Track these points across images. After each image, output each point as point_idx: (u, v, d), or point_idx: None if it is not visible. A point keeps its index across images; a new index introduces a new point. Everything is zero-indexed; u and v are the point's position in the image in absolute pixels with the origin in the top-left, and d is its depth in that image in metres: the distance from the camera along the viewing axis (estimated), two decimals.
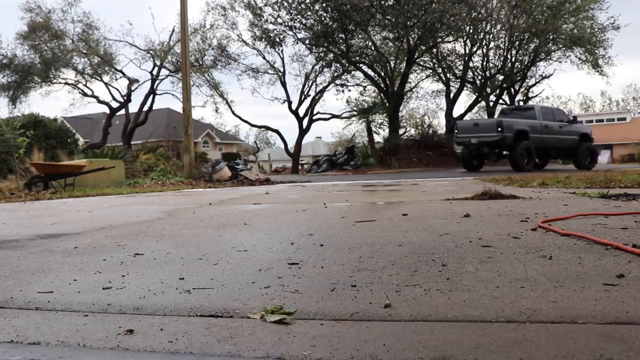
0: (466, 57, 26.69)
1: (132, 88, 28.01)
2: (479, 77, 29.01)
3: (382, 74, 25.40)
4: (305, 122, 28.72)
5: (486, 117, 35.03)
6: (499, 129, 15.24)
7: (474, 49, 26.46)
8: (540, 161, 18.30)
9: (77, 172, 10.59)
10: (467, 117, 27.61)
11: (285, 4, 22.70)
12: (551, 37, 24.70)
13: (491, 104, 31.02)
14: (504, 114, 18.45)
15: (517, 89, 31.53)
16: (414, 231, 2.90)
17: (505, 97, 32.19)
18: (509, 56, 27.26)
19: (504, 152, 16.01)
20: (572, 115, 19.54)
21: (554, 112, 18.02)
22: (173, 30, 27.74)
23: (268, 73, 28.02)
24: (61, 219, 4.38)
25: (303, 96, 28.20)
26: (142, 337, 1.25)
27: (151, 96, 27.94)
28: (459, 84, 27.90)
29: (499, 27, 25.23)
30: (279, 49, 26.02)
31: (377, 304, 1.46)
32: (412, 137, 25.85)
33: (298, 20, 23.11)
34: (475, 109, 36.70)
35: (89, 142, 34.22)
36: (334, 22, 21.82)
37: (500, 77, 28.13)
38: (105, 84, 27.91)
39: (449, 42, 25.15)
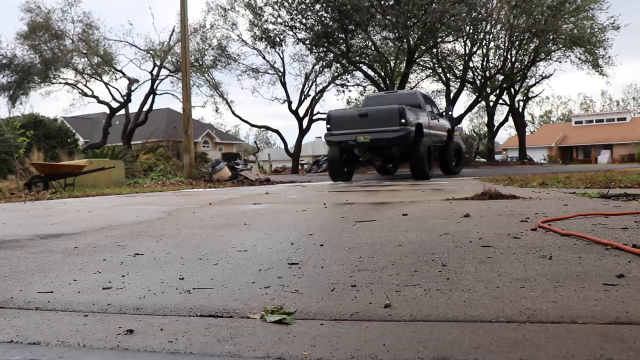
0: (466, 57, 26.70)
1: (132, 88, 28.01)
2: (479, 77, 29.05)
3: (382, 74, 25.40)
4: (305, 122, 28.79)
5: (486, 118, 34.94)
6: (402, 121, 10.43)
7: (474, 49, 26.48)
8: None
9: (77, 172, 10.59)
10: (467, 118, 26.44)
11: (286, 4, 22.69)
12: (551, 37, 24.71)
13: (491, 104, 31.01)
14: (371, 102, 12.68)
15: (517, 89, 31.60)
16: (414, 231, 2.90)
17: (505, 97, 32.26)
18: (509, 56, 27.29)
19: (394, 154, 11.42)
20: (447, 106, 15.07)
21: (430, 101, 13.71)
22: (173, 30, 27.75)
23: (268, 73, 28.10)
24: (61, 219, 4.38)
25: (303, 96, 28.26)
26: (142, 337, 1.25)
27: (151, 96, 27.94)
28: (459, 84, 27.93)
29: (499, 27, 25.24)
30: (279, 49, 26.04)
31: (377, 304, 1.46)
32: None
33: (298, 20, 23.11)
34: (476, 109, 36.89)
35: (89, 142, 34.19)
36: (334, 22, 21.80)
37: (500, 77, 28.15)
38: (105, 84, 27.92)
39: (449, 42, 25.16)
